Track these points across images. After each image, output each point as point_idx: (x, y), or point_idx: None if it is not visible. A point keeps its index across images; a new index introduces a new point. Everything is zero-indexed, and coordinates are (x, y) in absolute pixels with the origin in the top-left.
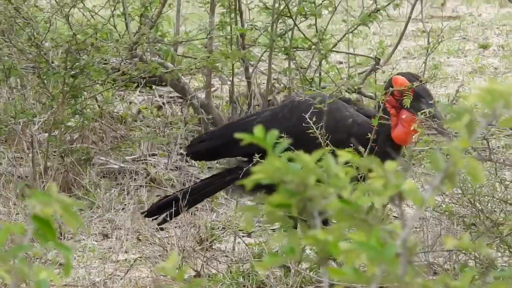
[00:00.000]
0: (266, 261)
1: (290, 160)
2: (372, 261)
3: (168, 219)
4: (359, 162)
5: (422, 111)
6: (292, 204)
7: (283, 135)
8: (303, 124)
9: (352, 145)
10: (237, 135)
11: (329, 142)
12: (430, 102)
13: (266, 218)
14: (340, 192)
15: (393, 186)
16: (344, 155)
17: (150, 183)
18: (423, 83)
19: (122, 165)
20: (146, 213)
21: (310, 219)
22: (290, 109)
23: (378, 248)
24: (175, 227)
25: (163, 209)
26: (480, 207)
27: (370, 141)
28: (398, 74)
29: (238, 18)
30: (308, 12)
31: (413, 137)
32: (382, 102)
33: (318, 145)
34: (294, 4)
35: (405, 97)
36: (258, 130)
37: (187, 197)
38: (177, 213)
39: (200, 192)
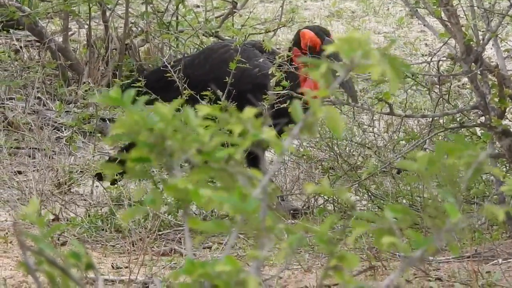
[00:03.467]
0: (128, 212)
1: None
2: (234, 212)
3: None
4: (219, 115)
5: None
6: (151, 158)
7: (197, 80)
8: (214, 72)
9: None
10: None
11: (235, 92)
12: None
13: (127, 173)
14: (199, 145)
15: (251, 135)
16: (203, 108)
17: (7, 127)
18: (332, 40)
19: None
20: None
21: (171, 171)
22: (206, 56)
23: (239, 202)
24: (33, 171)
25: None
26: (338, 151)
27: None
28: (305, 27)
29: None
30: None
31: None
32: (288, 57)
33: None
34: None
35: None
36: (115, 91)
37: None
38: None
39: None
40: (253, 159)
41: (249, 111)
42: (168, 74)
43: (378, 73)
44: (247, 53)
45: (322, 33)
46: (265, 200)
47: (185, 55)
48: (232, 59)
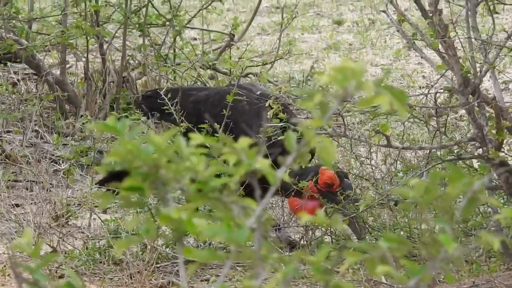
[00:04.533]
0: (123, 242)
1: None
2: (227, 241)
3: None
4: (212, 144)
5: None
6: (145, 187)
7: (207, 120)
8: (223, 116)
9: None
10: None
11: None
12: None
13: (121, 202)
14: (193, 173)
15: (246, 165)
16: (196, 137)
17: (5, 160)
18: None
19: None
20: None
21: (164, 201)
22: (220, 97)
23: (230, 233)
24: (31, 204)
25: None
26: None
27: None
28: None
29: None
30: None
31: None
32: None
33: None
34: None
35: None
36: (111, 119)
37: None
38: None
39: None
40: (251, 192)
41: (243, 141)
42: (165, 107)
43: (387, 104)
44: (258, 110)
45: (342, 174)
46: (259, 230)
47: (182, 86)
48: (243, 111)
